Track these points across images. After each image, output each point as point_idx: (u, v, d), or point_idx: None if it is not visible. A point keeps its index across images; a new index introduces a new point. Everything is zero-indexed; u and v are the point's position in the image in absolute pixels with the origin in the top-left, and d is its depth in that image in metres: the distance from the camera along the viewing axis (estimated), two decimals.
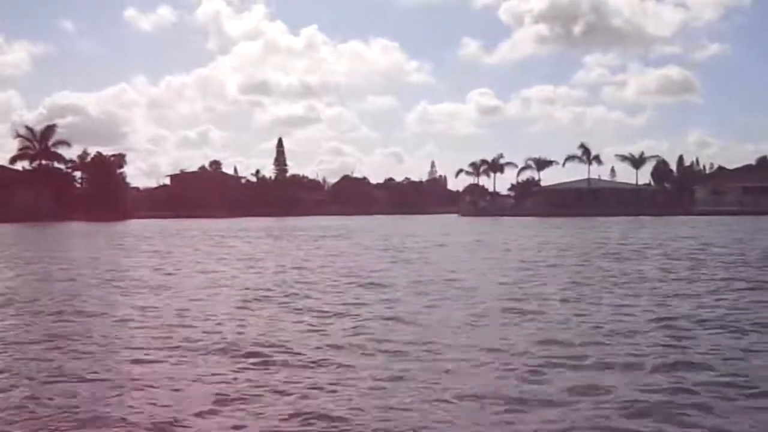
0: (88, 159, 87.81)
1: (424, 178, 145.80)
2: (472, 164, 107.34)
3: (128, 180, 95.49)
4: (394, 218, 79.30)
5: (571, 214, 76.78)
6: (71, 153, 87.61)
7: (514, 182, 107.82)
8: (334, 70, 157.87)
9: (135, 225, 59.73)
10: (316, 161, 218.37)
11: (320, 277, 14.04)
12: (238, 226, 53.90)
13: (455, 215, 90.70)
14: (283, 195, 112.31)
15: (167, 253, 22.26)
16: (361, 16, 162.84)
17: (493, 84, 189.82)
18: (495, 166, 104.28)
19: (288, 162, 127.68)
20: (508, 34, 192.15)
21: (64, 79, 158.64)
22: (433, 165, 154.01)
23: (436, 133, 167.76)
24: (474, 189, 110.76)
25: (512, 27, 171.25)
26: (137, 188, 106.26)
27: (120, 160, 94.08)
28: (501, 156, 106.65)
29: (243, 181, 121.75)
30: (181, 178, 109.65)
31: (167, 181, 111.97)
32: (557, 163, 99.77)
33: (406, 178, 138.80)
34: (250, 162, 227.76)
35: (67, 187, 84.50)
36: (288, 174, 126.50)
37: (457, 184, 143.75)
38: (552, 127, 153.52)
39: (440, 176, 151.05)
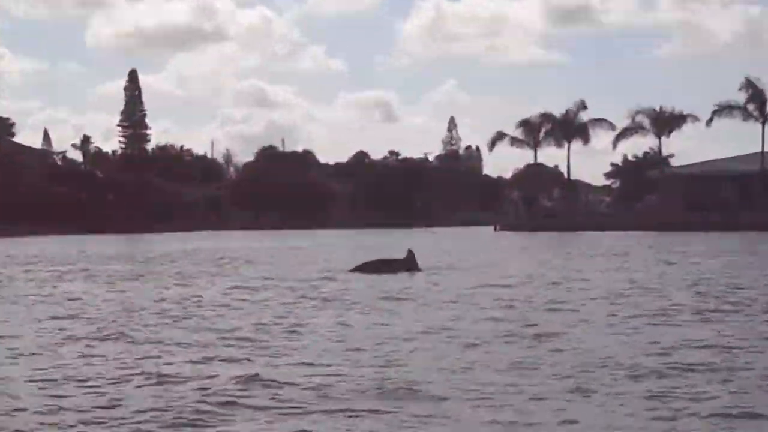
0: None
1: (436, 151, 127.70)
2: (524, 123, 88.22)
3: None
4: (360, 236, 64.00)
5: (728, 224, 65.60)
6: None
7: (616, 162, 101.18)
8: None
9: None
10: (213, 121, 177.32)
11: None
12: None
13: (490, 228, 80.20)
14: (135, 191, 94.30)
15: None
16: None
17: None
18: (570, 127, 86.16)
19: (150, 121, 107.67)
20: None
21: None
22: (451, 125, 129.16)
23: (459, 60, 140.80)
24: (531, 174, 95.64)
25: None
26: None
27: None
28: (582, 105, 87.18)
29: (58, 159, 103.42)
30: None
31: None
32: (696, 121, 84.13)
33: (393, 154, 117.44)
34: (79, 121, 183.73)
35: None
36: (154, 146, 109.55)
37: (500, 165, 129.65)
38: (693, 48, 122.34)
39: (468, 149, 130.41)
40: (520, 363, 9.99)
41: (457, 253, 37.71)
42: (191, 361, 10.26)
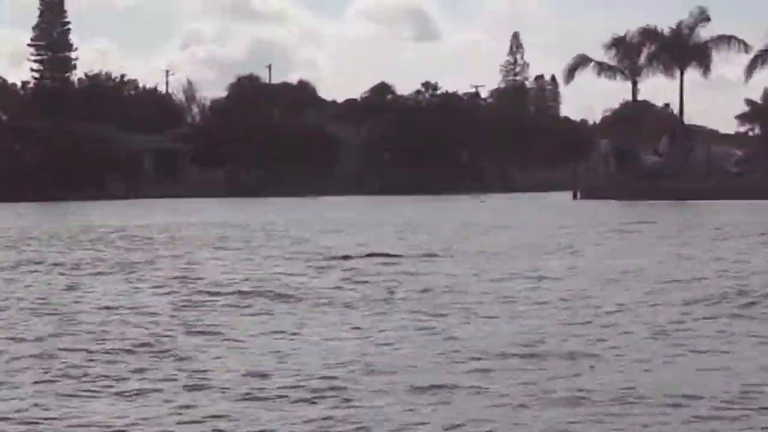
0: None
1: (491, 83, 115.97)
2: (617, 43, 78.85)
3: None
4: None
5: None
6: None
7: (753, 99, 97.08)
8: None
9: None
10: (171, 40, 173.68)
11: None
12: None
13: (568, 195, 77.44)
14: (54, 140, 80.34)
15: None
16: None
17: None
18: (684, 49, 76.03)
19: (77, 40, 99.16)
20: None
21: None
22: (514, 45, 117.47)
23: None
24: (628, 116, 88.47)
25: None
26: None
27: None
28: (702, 17, 76.76)
29: None
30: None
31: None
32: None
33: (429, 87, 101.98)
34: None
35: None
36: (82, 75, 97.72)
37: (585, 103, 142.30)
38: None
39: (538, 80, 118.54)
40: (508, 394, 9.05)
41: (508, 232, 34.09)
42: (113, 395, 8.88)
